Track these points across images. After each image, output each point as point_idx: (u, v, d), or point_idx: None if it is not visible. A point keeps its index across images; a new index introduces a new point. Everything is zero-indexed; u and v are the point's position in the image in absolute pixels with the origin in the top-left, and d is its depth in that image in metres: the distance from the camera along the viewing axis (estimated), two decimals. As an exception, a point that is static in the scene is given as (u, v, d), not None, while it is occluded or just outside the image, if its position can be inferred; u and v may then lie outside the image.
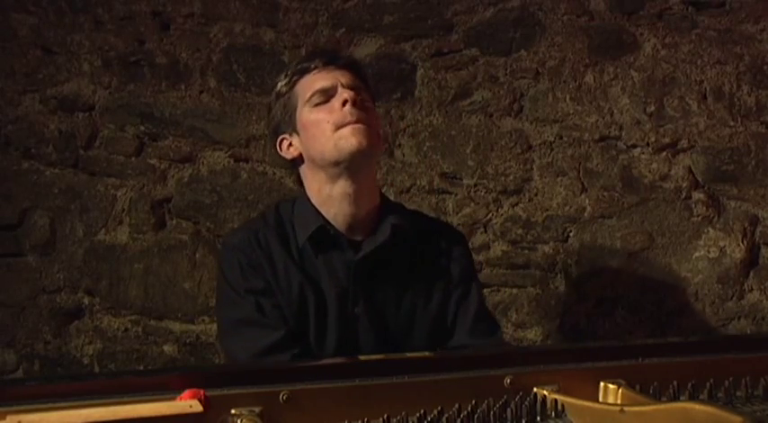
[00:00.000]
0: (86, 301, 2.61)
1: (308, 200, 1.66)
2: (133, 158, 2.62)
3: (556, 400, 1.03)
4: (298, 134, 1.65)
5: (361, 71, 1.72)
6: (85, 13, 2.62)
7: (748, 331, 2.42)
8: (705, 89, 2.47)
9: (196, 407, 0.90)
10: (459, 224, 2.52)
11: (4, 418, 0.83)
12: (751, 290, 2.45)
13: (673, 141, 2.47)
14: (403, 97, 2.57)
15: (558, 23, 2.53)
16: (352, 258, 1.62)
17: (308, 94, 1.61)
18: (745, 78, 2.45)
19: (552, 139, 2.53)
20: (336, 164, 1.58)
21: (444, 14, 2.56)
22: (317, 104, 1.60)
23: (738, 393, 1.11)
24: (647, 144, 2.48)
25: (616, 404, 1.04)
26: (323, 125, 1.58)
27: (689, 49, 2.48)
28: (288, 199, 1.79)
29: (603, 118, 2.51)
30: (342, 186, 1.61)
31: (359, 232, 1.65)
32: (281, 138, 1.69)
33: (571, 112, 2.52)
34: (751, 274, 2.46)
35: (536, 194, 2.53)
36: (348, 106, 1.56)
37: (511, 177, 2.53)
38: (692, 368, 1.13)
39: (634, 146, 2.49)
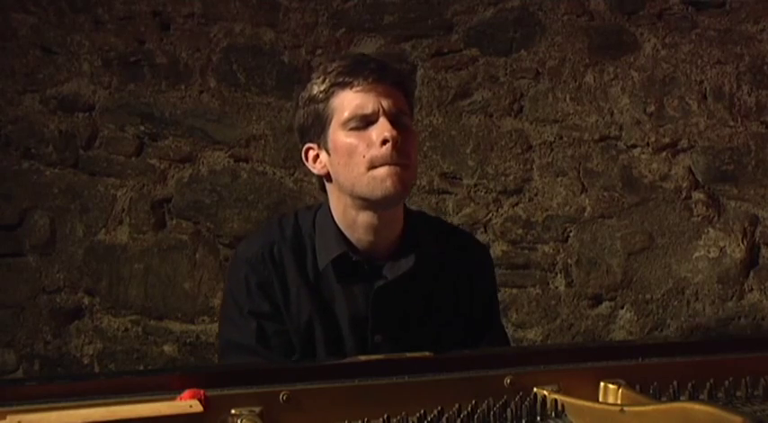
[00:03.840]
0: (86, 301, 2.61)
1: (332, 217, 1.55)
2: (133, 158, 2.62)
3: (556, 400, 1.03)
4: (327, 152, 1.51)
5: (406, 88, 1.56)
6: (85, 13, 2.62)
7: (748, 331, 2.42)
8: (705, 89, 2.47)
9: (196, 407, 0.90)
10: (459, 224, 2.52)
11: (4, 418, 0.83)
12: (751, 290, 2.45)
13: (673, 141, 2.47)
14: (403, 97, 2.57)
15: (558, 23, 2.53)
16: (373, 285, 1.53)
17: (346, 115, 1.46)
18: (745, 78, 2.45)
19: (552, 139, 2.53)
20: (365, 200, 1.48)
21: (444, 14, 2.56)
22: (353, 128, 1.46)
23: (738, 393, 1.10)
24: (647, 144, 2.48)
25: (616, 404, 1.04)
26: (357, 157, 1.45)
27: (689, 49, 2.48)
28: (308, 207, 1.68)
29: (603, 118, 2.51)
30: (367, 216, 1.51)
31: (381, 256, 1.55)
32: (308, 146, 1.55)
33: (571, 112, 2.52)
34: (751, 274, 2.46)
35: (536, 194, 2.53)
36: (388, 147, 1.43)
37: (511, 177, 2.53)
38: (692, 368, 1.13)
39: (634, 146, 2.49)
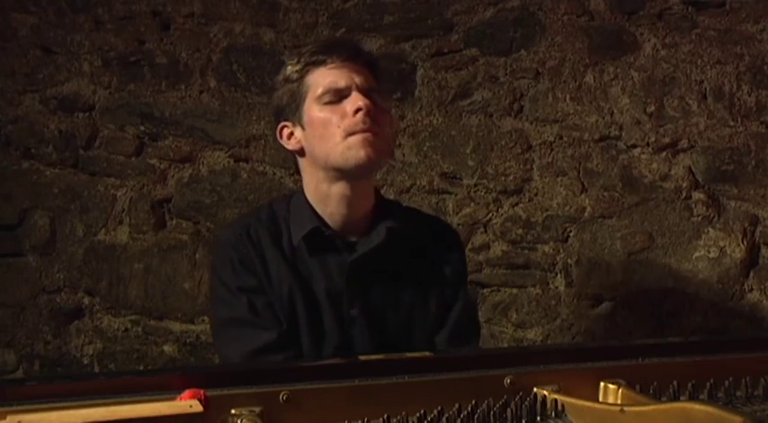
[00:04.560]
0: (86, 301, 2.61)
1: (305, 197, 1.63)
2: (133, 158, 2.62)
3: (556, 400, 1.03)
4: (302, 127, 1.59)
5: (377, 69, 1.65)
6: (85, 13, 2.62)
7: (748, 331, 2.42)
8: (705, 89, 2.47)
9: (196, 407, 0.90)
10: (459, 224, 2.53)
11: (4, 418, 0.83)
12: (751, 290, 2.45)
13: (673, 141, 2.47)
14: (403, 97, 2.57)
15: (558, 23, 2.53)
16: (346, 259, 1.59)
17: (320, 91, 1.55)
18: (745, 78, 2.45)
19: (552, 139, 2.53)
20: (339, 170, 1.55)
21: (444, 14, 2.56)
22: (327, 102, 1.54)
23: (738, 393, 1.10)
24: (647, 144, 2.48)
25: (616, 404, 1.04)
26: (332, 128, 1.53)
27: (689, 49, 2.48)
28: (283, 197, 1.76)
29: (603, 118, 2.51)
30: (340, 187, 1.58)
31: (354, 232, 1.62)
32: (282, 125, 1.64)
33: (571, 112, 2.52)
34: (751, 274, 2.46)
35: (536, 194, 2.53)
36: (361, 114, 1.51)
37: (511, 177, 2.53)
38: (692, 368, 1.13)
39: (634, 146, 2.49)
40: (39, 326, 2.60)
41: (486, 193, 2.54)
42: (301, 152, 1.62)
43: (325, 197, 1.60)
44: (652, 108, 2.48)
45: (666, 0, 2.48)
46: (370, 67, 1.61)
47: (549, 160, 2.52)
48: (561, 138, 2.52)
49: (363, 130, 1.51)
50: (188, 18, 2.62)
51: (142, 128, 2.61)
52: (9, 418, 0.83)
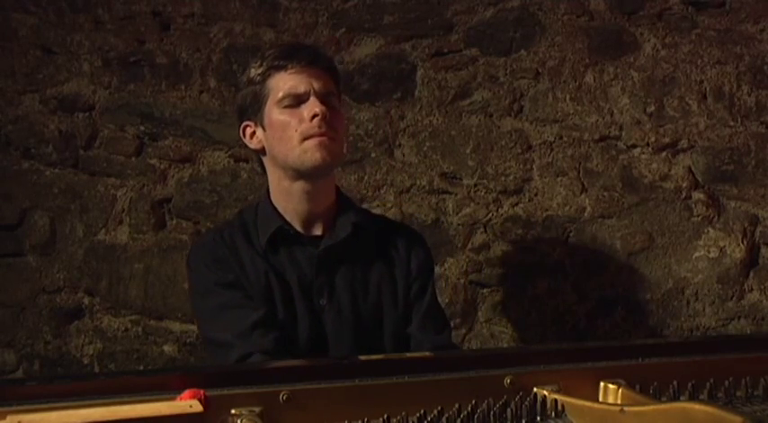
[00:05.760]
0: (86, 301, 2.61)
1: (269, 199, 1.73)
2: (133, 158, 2.62)
3: (556, 400, 1.03)
4: (263, 128, 1.70)
5: (336, 74, 1.76)
6: (85, 13, 2.62)
7: (748, 331, 2.42)
8: (705, 89, 2.47)
9: (196, 407, 0.90)
10: (459, 224, 2.53)
11: (4, 418, 0.83)
12: (751, 290, 2.45)
13: (673, 141, 2.47)
14: (403, 97, 2.57)
15: (558, 23, 2.53)
16: (314, 253, 1.70)
17: (281, 95, 1.65)
18: (745, 78, 2.45)
19: (552, 139, 2.53)
20: (297, 170, 1.66)
21: (444, 14, 2.56)
22: (287, 106, 1.64)
23: (738, 393, 1.11)
24: (647, 144, 2.48)
25: (616, 404, 1.04)
26: (290, 131, 1.63)
27: (689, 49, 2.48)
28: (251, 204, 1.86)
29: (603, 118, 2.51)
30: (300, 185, 1.69)
31: (318, 228, 1.73)
32: (245, 124, 1.74)
33: (571, 112, 2.52)
34: (751, 274, 2.46)
35: (536, 194, 2.53)
36: (317, 120, 1.61)
37: (511, 177, 2.53)
38: (692, 368, 1.13)
39: (634, 146, 2.49)
40: (39, 326, 2.60)
41: (486, 193, 2.54)
42: (263, 151, 1.73)
43: (287, 194, 1.70)
44: (652, 108, 2.48)
45: (666, 0, 2.48)
46: (330, 71, 1.73)
47: (549, 160, 2.53)
48: (561, 138, 2.52)
49: (319, 135, 1.62)
50: (188, 18, 2.61)
51: (142, 128, 2.61)
52: (9, 418, 0.83)
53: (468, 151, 2.55)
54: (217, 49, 2.61)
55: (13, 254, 2.62)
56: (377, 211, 2.50)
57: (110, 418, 0.86)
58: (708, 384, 1.09)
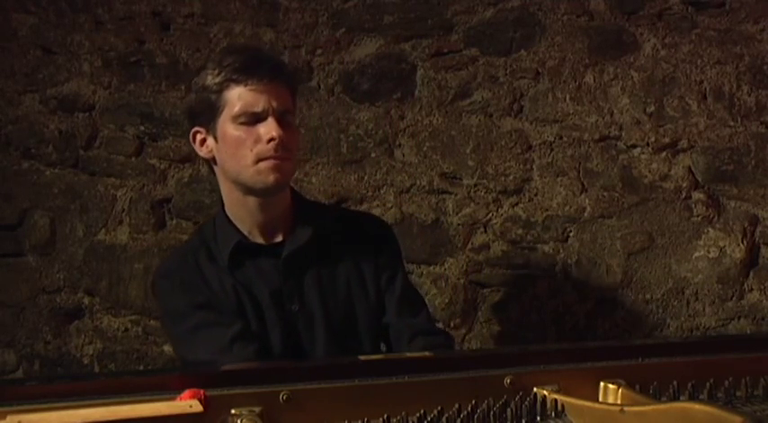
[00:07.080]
0: (86, 301, 2.61)
1: (224, 211, 1.71)
2: (133, 158, 2.62)
3: (556, 400, 1.03)
4: (215, 139, 1.64)
5: (294, 86, 1.72)
6: (85, 13, 2.62)
7: (748, 331, 2.42)
8: (705, 89, 2.47)
9: (196, 407, 0.90)
10: (459, 224, 2.53)
11: (4, 418, 0.83)
12: (751, 290, 2.45)
13: (673, 141, 2.47)
14: (403, 97, 2.57)
15: (558, 23, 2.52)
16: (278, 260, 1.67)
17: (237, 111, 1.59)
18: (745, 78, 2.45)
19: (552, 139, 2.52)
20: (249, 188, 1.63)
21: (444, 14, 2.56)
22: (243, 123, 1.59)
23: (738, 393, 1.11)
24: (647, 144, 2.48)
25: (616, 404, 1.04)
26: (244, 150, 1.59)
27: (689, 49, 2.47)
28: (210, 219, 1.83)
29: (603, 118, 2.50)
30: (252, 199, 1.66)
31: (278, 235, 1.70)
32: (196, 130, 1.67)
33: (571, 112, 2.52)
34: (751, 274, 2.46)
35: (536, 194, 2.53)
36: (273, 143, 1.57)
37: (511, 177, 2.53)
38: (692, 368, 1.13)
39: (634, 146, 2.49)
40: (39, 326, 2.60)
41: (486, 193, 2.54)
42: (213, 161, 1.69)
43: (241, 205, 1.68)
44: (652, 108, 2.48)
45: (666, 0, 2.48)
46: (289, 86, 1.67)
47: (549, 160, 2.52)
48: (561, 138, 2.52)
49: (274, 158, 1.59)
50: (188, 18, 2.62)
51: (142, 128, 2.61)
52: (9, 418, 0.83)
53: (468, 151, 2.55)
54: (217, 50, 2.61)
55: (13, 254, 2.62)
56: (377, 211, 2.50)
57: (110, 418, 0.86)
58: (708, 384, 1.09)
